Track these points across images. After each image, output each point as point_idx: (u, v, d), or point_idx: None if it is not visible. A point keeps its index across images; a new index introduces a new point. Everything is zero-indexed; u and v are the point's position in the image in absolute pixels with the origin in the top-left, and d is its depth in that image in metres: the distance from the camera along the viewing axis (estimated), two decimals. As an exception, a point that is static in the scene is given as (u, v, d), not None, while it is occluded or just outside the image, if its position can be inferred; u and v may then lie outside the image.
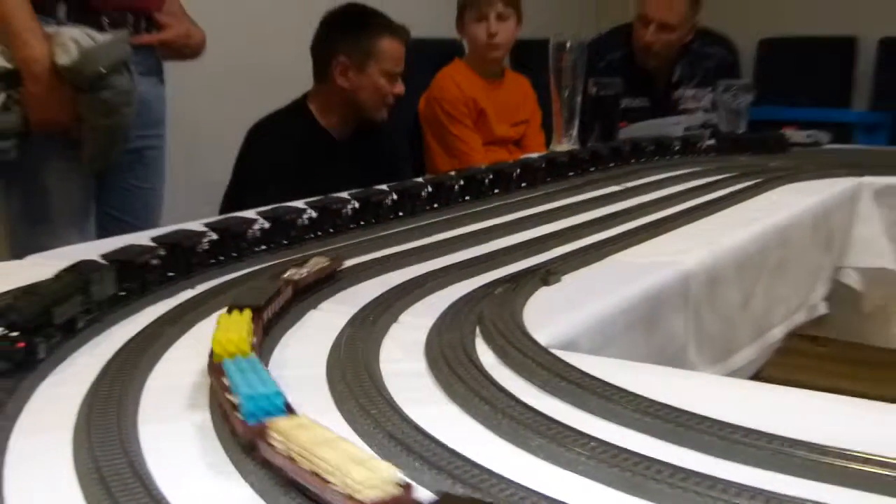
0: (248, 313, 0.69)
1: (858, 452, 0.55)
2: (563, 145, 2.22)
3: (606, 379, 0.68)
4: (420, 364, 0.74)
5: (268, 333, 0.79)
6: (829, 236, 1.66)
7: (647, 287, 1.03)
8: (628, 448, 0.56)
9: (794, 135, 2.29)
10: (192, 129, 2.60)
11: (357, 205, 1.29)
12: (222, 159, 2.49)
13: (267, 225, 1.15)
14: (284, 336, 0.82)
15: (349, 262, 1.08)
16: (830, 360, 2.11)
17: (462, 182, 1.50)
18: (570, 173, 1.76)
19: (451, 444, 0.56)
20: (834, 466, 0.54)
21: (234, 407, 0.54)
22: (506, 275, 1.01)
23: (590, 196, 1.55)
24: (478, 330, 0.81)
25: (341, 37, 2.44)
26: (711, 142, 2.21)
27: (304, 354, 0.77)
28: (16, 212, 1.85)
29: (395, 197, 1.36)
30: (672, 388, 0.68)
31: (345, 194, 1.31)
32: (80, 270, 0.84)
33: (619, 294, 0.98)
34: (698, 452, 0.58)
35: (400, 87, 2.48)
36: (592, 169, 1.82)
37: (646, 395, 0.64)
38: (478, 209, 1.43)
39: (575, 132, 2.25)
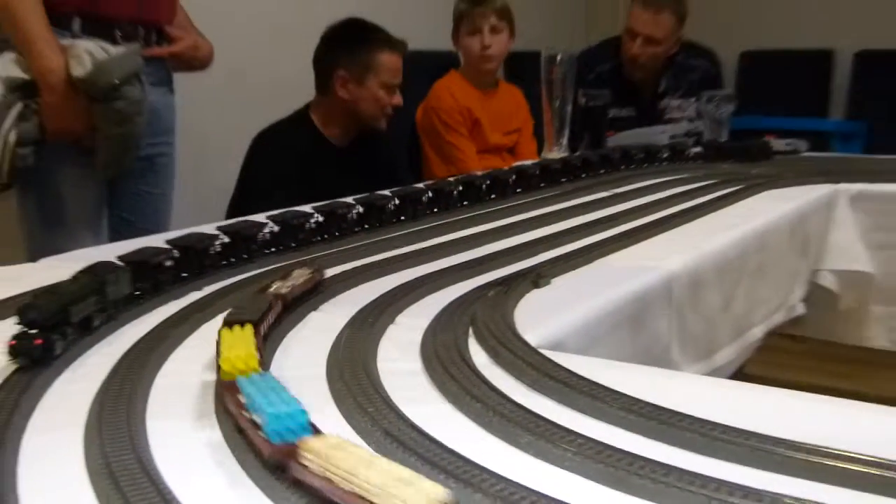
0: (249, 329, 0.67)
1: (833, 449, 0.55)
2: (554, 153, 2.22)
3: (593, 378, 0.68)
4: (416, 364, 0.74)
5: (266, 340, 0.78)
6: (806, 241, 1.67)
7: (632, 290, 1.03)
8: (614, 445, 0.56)
9: (774, 143, 2.30)
10: (200, 137, 2.60)
11: (361, 209, 1.30)
12: (228, 166, 2.49)
13: (276, 228, 1.16)
14: (287, 337, 0.82)
15: (354, 264, 1.09)
16: (808, 358, 2.11)
17: (461, 187, 1.51)
18: (563, 179, 1.76)
19: (444, 441, 0.56)
20: (809, 463, 0.54)
21: (255, 425, 0.52)
22: (498, 278, 1.00)
23: (580, 202, 1.55)
24: (471, 331, 0.81)
25: (341, 51, 2.43)
26: (698, 149, 2.22)
27: (305, 354, 0.77)
28: (32, 216, 1.85)
29: (397, 202, 1.36)
30: (656, 387, 0.68)
31: (350, 199, 1.31)
32: (96, 272, 0.84)
33: (605, 296, 0.98)
34: (680, 449, 0.58)
35: (398, 99, 2.48)
36: (584, 175, 1.83)
37: (631, 393, 0.64)
38: (475, 213, 1.43)
39: (565, 140, 2.25)
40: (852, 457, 0.54)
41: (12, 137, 1.67)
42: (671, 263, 1.14)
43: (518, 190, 1.63)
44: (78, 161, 1.80)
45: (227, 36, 2.23)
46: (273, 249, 1.14)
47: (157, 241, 1.02)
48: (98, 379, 0.68)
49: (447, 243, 1.21)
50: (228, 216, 2.22)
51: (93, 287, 0.81)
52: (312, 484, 0.46)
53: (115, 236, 1.91)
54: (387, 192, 1.38)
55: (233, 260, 1.08)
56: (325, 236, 1.22)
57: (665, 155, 2.08)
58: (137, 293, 0.92)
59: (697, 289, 1.19)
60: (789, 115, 4.06)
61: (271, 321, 0.79)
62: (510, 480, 0.51)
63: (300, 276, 0.87)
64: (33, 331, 0.71)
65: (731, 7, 4.59)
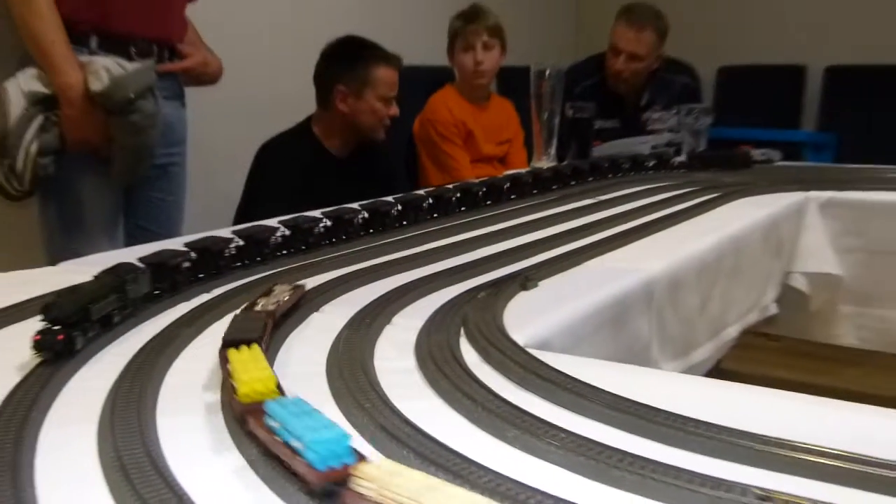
0: (257, 349, 0.63)
1: (800, 443, 0.55)
2: (543, 162, 2.22)
3: (577, 376, 0.68)
4: (410, 362, 0.74)
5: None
6: (778, 245, 1.67)
7: (615, 292, 1.03)
8: (595, 439, 0.56)
9: (750, 153, 2.30)
10: (209, 147, 2.59)
11: (366, 214, 1.30)
12: (234, 175, 2.49)
13: (287, 232, 1.16)
14: (289, 336, 0.82)
15: (361, 265, 1.09)
16: (781, 354, 2.11)
17: (459, 194, 1.51)
18: (554, 186, 1.77)
19: (435, 435, 0.56)
20: (777, 455, 0.55)
21: (292, 450, 0.48)
22: (488, 281, 1.00)
23: (567, 208, 1.54)
24: (462, 331, 0.81)
25: (340, 67, 2.43)
26: (682, 158, 2.22)
27: (306, 353, 0.77)
28: (52, 222, 1.85)
29: (400, 207, 1.37)
30: (636, 384, 0.68)
31: (355, 205, 1.32)
32: (117, 272, 0.85)
33: (589, 298, 0.98)
34: (657, 443, 0.58)
35: (395, 110, 2.48)
36: (573, 183, 1.83)
37: (612, 390, 0.65)
38: (472, 219, 1.44)
39: (553, 150, 2.25)
40: (818, 450, 0.54)
41: (34, 148, 1.67)
42: (651, 267, 1.14)
43: (512, 196, 1.64)
44: (96, 170, 1.80)
45: (234, 53, 2.23)
46: (284, 252, 1.15)
47: (176, 244, 1.03)
48: (113, 375, 0.68)
49: (443, 247, 1.21)
50: (235, 223, 2.21)
51: (113, 286, 0.82)
52: None
53: (131, 241, 1.91)
54: (390, 199, 1.38)
55: (246, 262, 1.09)
56: (333, 240, 1.23)
57: (651, 164, 2.08)
58: (156, 292, 0.92)
59: (676, 290, 1.19)
60: (764, 126, 4.06)
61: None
62: (497, 473, 0.51)
63: (284, 293, 0.84)
64: (56, 327, 0.72)
65: (709, 25, 4.60)
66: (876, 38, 4.24)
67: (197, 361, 0.73)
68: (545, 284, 1.03)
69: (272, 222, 1.18)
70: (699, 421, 0.59)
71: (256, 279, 1.02)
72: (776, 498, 0.48)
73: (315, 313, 0.90)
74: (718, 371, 1.43)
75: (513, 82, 3.10)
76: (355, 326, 0.82)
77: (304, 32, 2.90)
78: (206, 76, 2.06)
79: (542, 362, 0.71)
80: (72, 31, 1.71)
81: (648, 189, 1.78)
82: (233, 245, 1.07)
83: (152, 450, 0.54)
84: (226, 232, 1.11)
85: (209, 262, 1.02)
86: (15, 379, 0.67)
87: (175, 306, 0.91)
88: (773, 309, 1.65)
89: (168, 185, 2.02)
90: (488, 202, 1.57)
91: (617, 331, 1.02)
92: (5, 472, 0.51)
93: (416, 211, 1.40)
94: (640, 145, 2.40)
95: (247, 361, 0.60)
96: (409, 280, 1.01)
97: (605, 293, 1.01)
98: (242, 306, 0.79)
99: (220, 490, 0.51)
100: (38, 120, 1.68)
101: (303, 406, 0.50)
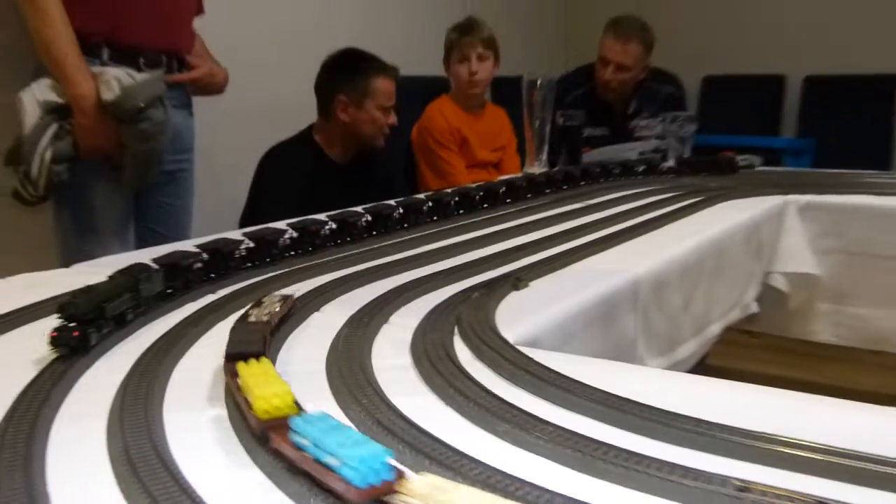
0: (267, 363, 0.60)
1: (776, 435, 0.55)
2: (535, 168, 2.23)
3: (565, 372, 0.68)
4: (406, 359, 0.74)
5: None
6: (759, 246, 1.67)
7: (602, 291, 1.03)
8: (582, 433, 0.56)
9: (735, 159, 2.30)
10: (216, 154, 2.59)
11: (370, 217, 1.31)
12: (240, 181, 2.48)
13: (295, 234, 1.16)
14: (291, 335, 0.81)
15: (362, 266, 1.09)
16: (763, 350, 2.12)
17: (457, 198, 1.52)
18: (547, 191, 1.77)
19: (429, 430, 0.56)
20: (756, 448, 0.54)
21: (325, 467, 0.44)
22: (481, 281, 1.00)
23: (558, 212, 1.54)
24: (456, 330, 0.81)
25: (341, 78, 2.43)
26: (671, 164, 2.22)
27: (306, 351, 0.76)
28: (66, 225, 1.85)
29: (401, 211, 1.37)
30: (621, 380, 0.68)
31: (359, 208, 1.32)
32: (131, 272, 0.85)
33: (578, 297, 0.98)
34: (640, 436, 0.58)
35: (393, 118, 2.47)
36: (565, 187, 1.83)
37: (599, 386, 0.64)
38: (469, 221, 1.44)
39: (545, 156, 2.25)
40: (795, 443, 0.54)
41: (48, 155, 1.67)
42: (637, 267, 1.14)
43: (507, 200, 1.64)
44: (108, 176, 1.80)
45: (239, 64, 2.22)
46: (292, 253, 1.15)
47: (188, 246, 1.03)
48: (123, 372, 0.68)
49: (439, 249, 1.21)
50: (240, 226, 2.21)
51: (127, 286, 0.82)
52: None
53: (141, 244, 1.90)
54: (392, 202, 1.38)
55: (256, 263, 1.09)
56: (338, 241, 1.23)
57: (641, 169, 2.09)
58: (169, 291, 0.92)
59: (661, 290, 1.19)
60: (746, 133, 4.07)
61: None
62: (488, 465, 0.51)
63: (274, 303, 0.80)
64: (72, 324, 0.73)
65: (693, 37, 4.61)
66: (851, 50, 4.26)
67: (202, 360, 0.73)
68: (536, 285, 1.02)
69: (280, 225, 1.18)
70: (681, 415, 0.59)
71: (264, 279, 1.02)
72: (754, 488, 0.48)
73: (316, 313, 0.89)
74: (703, 366, 1.43)
75: (506, 91, 3.10)
76: (354, 325, 0.82)
77: (305, 45, 2.90)
78: (213, 86, 2.06)
79: (531, 359, 0.71)
80: (84, 43, 1.71)
81: (636, 193, 1.78)
82: (243, 247, 1.07)
83: (159, 444, 0.54)
84: (236, 234, 1.12)
85: (220, 262, 1.03)
86: (30, 375, 0.67)
87: (186, 305, 0.91)
88: (755, 307, 1.64)
89: (177, 190, 2.01)
90: (485, 206, 1.58)
91: (604, 329, 1.02)
92: (18, 465, 0.51)
93: (417, 214, 1.40)
94: (628, 152, 2.40)
95: (258, 375, 0.57)
96: (407, 281, 1.01)
97: (593, 293, 1.01)
98: (237, 317, 0.76)
99: (224, 483, 0.51)
100: (53, 128, 1.68)
101: (329, 421, 0.47)
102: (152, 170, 1.82)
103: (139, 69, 1.77)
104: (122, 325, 0.81)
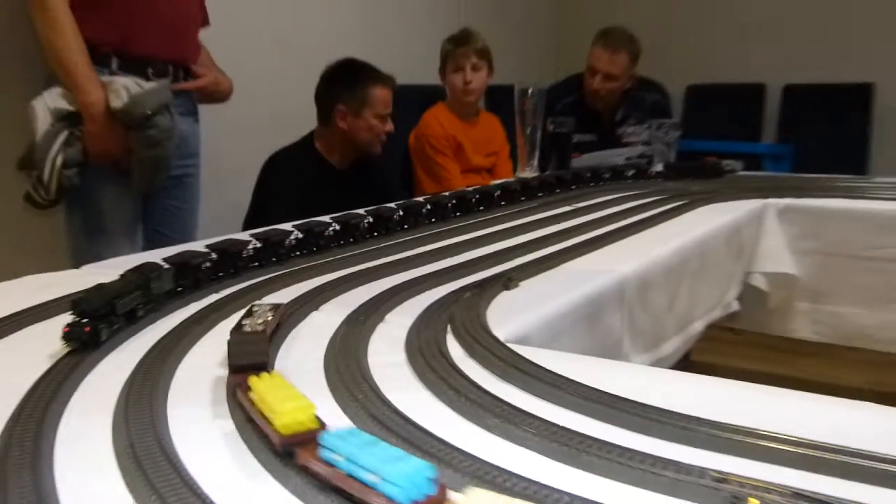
0: (280, 378, 0.56)
1: (754, 429, 0.55)
2: (527, 172, 2.23)
3: (553, 369, 0.68)
4: (400, 357, 0.74)
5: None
6: (740, 247, 1.67)
7: (589, 291, 1.03)
8: (569, 427, 0.56)
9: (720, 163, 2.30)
10: (221, 159, 2.59)
11: (371, 219, 1.31)
12: (244, 185, 2.48)
13: (300, 235, 1.16)
14: (291, 333, 0.81)
15: (362, 266, 1.09)
16: (744, 346, 2.12)
17: (454, 201, 1.52)
18: (539, 194, 1.77)
19: (423, 424, 0.56)
20: (734, 441, 0.54)
21: (363, 485, 0.42)
22: (474, 281, 1.00)
23: (548, 214, 1.54)
24: (449, 328, 0.81)
25: (340, 88, 2.43)
26: (659, 168, 2.22)
27: (306, 349, 0.76)
28: (77, 228, 1.85)
29: (401, 213, 1.37)
30: (606, 376, 0.68)
31: (361, 211, 1.32)
32: (141, 271, 0.85)
33: (566, 297, 0.98)
34: (625, 430, 0.58)
35: (390, 126, 2.47)
36: (557, 191, 1.84)
37: (585, 382, 0.64)
38: (465, 223, 1.44)
39: (536, 161, 2.25)
40: (773, 436, 0.54)
41: (59, 160, 1.67)
42: (623, 268, 1.14)
43: (502, 203, 1.65)
44: (117, 180, 1.80)
45: (243, 74, 2.22)
46: (297, 254, 1.15)
47: (198, 246, 1.03)
48: (131, 367, 0.68)
49: (435, 251, 1.21)
50: (244, 229, 2.21)
51: (137, 284, 0.82)
52: None
53: (149, 246, 1.91)
54: (392, 205, 1.39)
55: (262, 262, 1.09)
56: (341, 242, 1.23)
57: (630, 174, 2.09)
58: (179, 289, 0.92)
59: (646, 290, 1.19)
60: (728, 139, 4.07)
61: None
62: (478, 458, 0.51)
63: (266, 313, 0.75)
64: (84, 320, 0.73)
65: (678, 48, 4.62)
66: (829, 60, 4.27)
67: (206, 357, 0.73)
68: (526, 285, 1.02)
69: (286, 226, 1.18)
70: (664, 410, 0.59)
71: (269, 278, 1.02)
72: (731, 479, 0.48)
73: (314, 312, 0.89)
74: (687, 362, 1.43)
75: (499, 99, 3.11)
76: (351, 324, 0.82)
77: (306, 55, 2.90)
78: (218, 94, 2.06)
79: (521, 356, 0.71)
80: (94, 53, 1.71)
81: (623, 197, 1.78)
82: (250, 247, 1.08)
83: (163, 439, 0.54)
84: (244, 235, 1.12)
85: (228, 262, 1.03)
86: (40, 371, 0.67)
87: (195, 302, 0.91)
88: (736, 306, 1.65)
89: (183, 194, 2.01)
90: (480, 208, 1.59)
91: (591, 327, 1.02)
92: (26, 459, 0.50)
93: (416, 216, 1.41)
94: (615, 157, 2.41)
95: (275, 390, 0.54)
96: (403, 280, 1.01)
97: (581, 292, 1.01)
98: (232, 327, 0.71)
99: (226, 478, 0.51)
100: (63, 135, 1.68)
101: (361, 436, 0.45)
102: (159, 174, 1.82)
103: (147, 78, 1.77)
104: (133, 322, 0.81)
